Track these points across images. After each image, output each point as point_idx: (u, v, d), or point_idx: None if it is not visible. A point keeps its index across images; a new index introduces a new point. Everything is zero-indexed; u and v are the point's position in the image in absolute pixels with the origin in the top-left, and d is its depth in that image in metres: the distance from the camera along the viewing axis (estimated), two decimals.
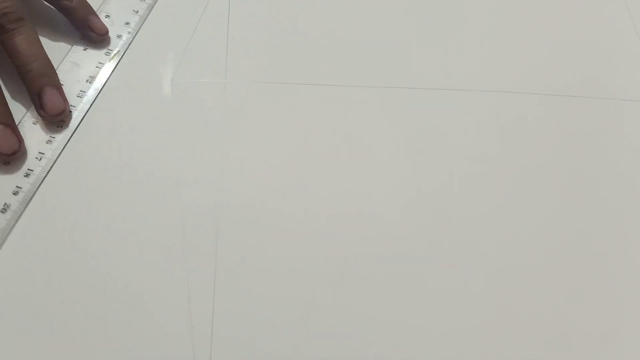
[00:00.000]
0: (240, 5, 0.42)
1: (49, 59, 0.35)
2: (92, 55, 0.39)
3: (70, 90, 0.37)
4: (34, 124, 0.36)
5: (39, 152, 0.35)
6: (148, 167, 0.35)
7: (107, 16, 0.40)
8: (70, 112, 0.36)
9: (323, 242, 0.33)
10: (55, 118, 0.35)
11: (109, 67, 0.38)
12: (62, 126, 0.36)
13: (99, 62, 0.38)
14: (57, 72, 0.36)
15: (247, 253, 0.32)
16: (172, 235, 0.33)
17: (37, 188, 0.34)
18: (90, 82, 0.38)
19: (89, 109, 0.37)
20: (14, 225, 0.32)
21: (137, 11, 0.41)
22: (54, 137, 0.35)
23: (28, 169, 0.34)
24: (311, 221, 0.34)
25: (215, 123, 0.36)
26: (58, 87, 0.35)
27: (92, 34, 0.38)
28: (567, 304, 0.32)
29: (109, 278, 0.31)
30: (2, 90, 0.35)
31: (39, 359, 0.29)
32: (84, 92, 0.37)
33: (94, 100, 0.37)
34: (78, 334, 0.30)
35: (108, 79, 0.38)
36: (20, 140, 0.34)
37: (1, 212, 0.33)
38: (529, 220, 0.34)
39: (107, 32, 0.39)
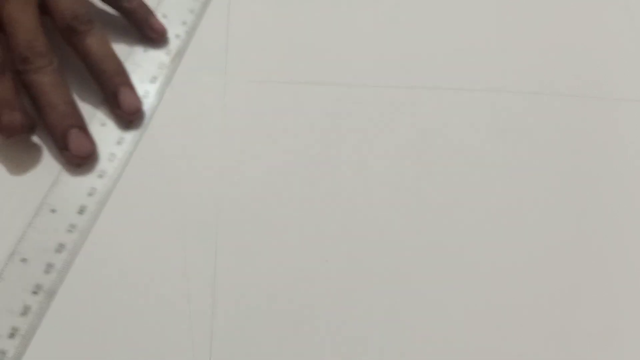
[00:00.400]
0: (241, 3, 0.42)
1: (119, 59, 0.36)
2: (153, 55, 0.39)
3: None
4: (102, 125, 0.36)
5: (111, 153, 0.35)
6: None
7: (164, 16, 0.40)
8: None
9: (323, 242, 0.33)
10: (133, 116, 0.35)
11: (169, 67, 0.39)
12: (132, 126, 0.36)
13: (160, 63, 0.39)
14: None
15: (246, 254, 0.32)
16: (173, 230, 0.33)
17: (112, 189, 0.34)
18: (153, 82, 0.38)
19: (156, 107, 0.37)
20: (91, 226, 0.33)
21: (193, 10, 0.41)
22: (123, 138, 0.36)
23: (101, 170, 0.34)
24: (311, 221, 0.34)
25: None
26: (132, 86, 0.36)
27: (152, 35, 0.38)
28: (566, 304, 0.32)
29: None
30: (71, 93, 0.35)
31: None
32: (149, 92, 0.37)
33: (160, 100, 0.37)
34: None
35: (170, 78, 0.38)
36: (93, 142, 0.34)
37: (78, 213, 0.33)
38: (529, 220, 0.35)
39: (166, 32, 0.39)
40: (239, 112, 0.37)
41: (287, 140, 0.37)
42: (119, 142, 0.35)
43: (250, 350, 0.30)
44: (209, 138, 0.36)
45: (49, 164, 0.34)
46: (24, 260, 0.31)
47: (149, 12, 0.39)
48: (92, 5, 0.37)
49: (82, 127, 0.34)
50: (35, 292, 0.31)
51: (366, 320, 0.31)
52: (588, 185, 0.36)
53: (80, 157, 0.34)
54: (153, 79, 0.38)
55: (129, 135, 0.36)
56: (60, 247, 0.32)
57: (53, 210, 0.33)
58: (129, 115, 0.35)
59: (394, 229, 0.34)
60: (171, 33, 0.40)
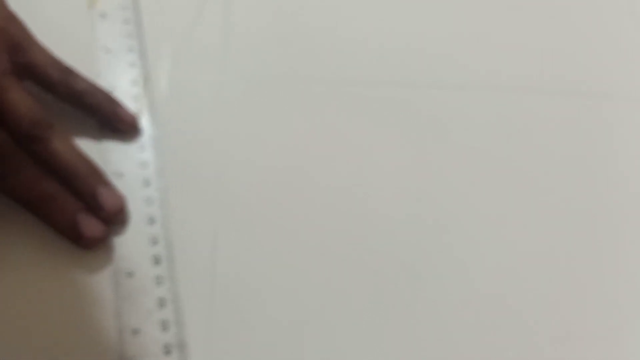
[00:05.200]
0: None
1: (86, 156, 0.33)
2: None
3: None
4: (120, 176, 0.34)
5: (145, 197, 0.34)
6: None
7: (107, 51, 0.39)
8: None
9: (322, 242, 0.34)
10: (118, 217, 0.32)
11: (145, 95, 0.37)
12: (117, 224, 0.33)
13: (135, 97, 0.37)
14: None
15: (246, 253, 0.33)
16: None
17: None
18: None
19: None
20: (173, 272, 0.32)
21: (130, 34, 0.40)
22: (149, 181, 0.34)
23: (148, 216, 0.33)
24: (311, 221, 0.34)
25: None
26: (109, 183, 0.33)
27: (123, 127, 0.35)
28: (567, 304, 0.32)
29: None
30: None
31: None
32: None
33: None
34: None
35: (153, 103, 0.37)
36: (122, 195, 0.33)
37: (155, 264, 0.32)
38: (530, 220, 0.35)
39: (137, 120, 0.36)
40: (237, 109, 0.37)
41: (287, 138, 0.36)
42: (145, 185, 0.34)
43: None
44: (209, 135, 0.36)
45: None
46: (135, 331, 0.30)
47: (115, 103, 0.35)
48: (43, 107, 0.34)
49: (86, 208, 0.32)
50: (168, 352, 0.29)
51: (366, 321, 0.31)
52: (588, 184, 0.36)
53: (97, 241, 0.31)
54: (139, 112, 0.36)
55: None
56: (161, 302, 0.31)
57: (130, 274, 0.31)
58: (114, 215, 0.32)
59: (395, 229, 0.34)
60: (125, 64, 0.38)
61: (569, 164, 0.37)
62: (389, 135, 0.37)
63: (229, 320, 0.31)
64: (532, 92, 0.40)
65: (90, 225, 0.31)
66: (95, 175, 0.33)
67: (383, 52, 0.40)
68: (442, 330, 0.31)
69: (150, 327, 0.30)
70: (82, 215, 0.31)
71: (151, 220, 0.33)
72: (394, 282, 0.32)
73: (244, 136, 0.36)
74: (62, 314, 0.30)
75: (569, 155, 0.37)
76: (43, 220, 0.32)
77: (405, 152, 0.37)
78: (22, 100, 0.32)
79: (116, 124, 0.35)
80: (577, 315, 0.32)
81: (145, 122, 0.36)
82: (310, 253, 0.33)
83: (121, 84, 0.37)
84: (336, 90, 0.39)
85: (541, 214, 0.35)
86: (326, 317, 0.31)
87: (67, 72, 0.35)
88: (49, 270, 0.31)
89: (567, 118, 0.39)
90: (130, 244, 0.32)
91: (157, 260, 0.32)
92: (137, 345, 0.29)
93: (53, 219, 0.32)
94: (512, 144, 0.38)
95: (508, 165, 0.37)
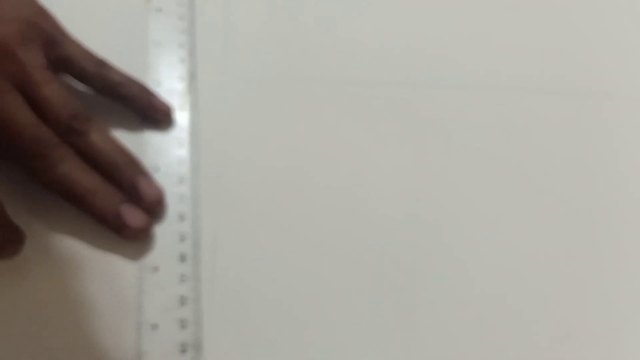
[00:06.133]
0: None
1: (125, 147, 0.34)
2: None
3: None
4: (156, 170, 0.34)
5: (179, 194, 0.34)
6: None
7: (158, 45, 0.39)
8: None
9: (322, 242, 0.33)
10: (157, 207, 0.33)
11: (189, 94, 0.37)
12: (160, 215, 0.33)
13: (179, 93, 0.37)
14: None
15: (246, 254, 0.33)
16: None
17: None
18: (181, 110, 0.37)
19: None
20: (200, 271, 0.32)
21: (184, 30, 0.40)
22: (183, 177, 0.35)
23: (179, 213, 0.33)
24: (311, 218, 0.34)
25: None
26: (147, 173, 0.33)
27: (158, 116, 0.36)
28: (567, 304, 0.32)
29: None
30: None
31: None
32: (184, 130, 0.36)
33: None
34: None
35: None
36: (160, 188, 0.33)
37: (181, 261, 0.32)
38: (530, 219, 0.35)
39: (171, 109, 0.36)
40: (238, 109, 0.37)
41: (285, 137, 0.36)
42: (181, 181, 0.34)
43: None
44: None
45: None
46: (154, 326, 0.30)
47: (150, 94, 0.36)
48: (80, 99, 0.34)
49: (128, 200, 0.32)
50: (184, 351, 0.30)
51: (366, 321, 0.31)
52: (588, 184, 0.36)
53: (141, 232, 0.32)
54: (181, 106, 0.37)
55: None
56: (182, 300, 0.31)
57: (155, 269, 0.32)
58: (153, 205, 0.33)
59: (395, 227, 0.34)
60: (175, 58, 0.39)
61: (569, 164, 0.37)
62: (388, 135, 0.37)
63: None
64: (532, 92, 0.39)
65: (133, 216, 0.32)
66: (134, 166, 0.33)
67: (383, 52, 0.40)
68: (443, 330, 0.31)
69: (169, 323, 0.30)
70: (125, 206, 0.32)
71: (181, 217, 0.33)
72: (394, 281, 0.32)
73: (247, 136, 0.36)
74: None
75: (568, 155, 0.37)
76: (86, 211, 0.32)
77: (406, 152, 0.36)
78: (60, 94, 0.33)
79: (151, 113, 0.36)
80: (577, 315, 0.32)
81: (186, 119, 0.36)
82: (318, 255, 0.33)
83: (168, 78, 0.38)
84: (336, 90, 0.38)
85: (541, 214, 0.35)
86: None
87: (101, 64, 0.35)
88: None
89: (567, 118, 0.39)
90: (158, 239, 0.33)
91: (182, 258, 0.32)
92: (155, 340, 0.30)
93: (96, 211, 0.32)
94: (512, 144, 0.37)
95: (508, 165, 0.37)
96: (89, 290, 0.31)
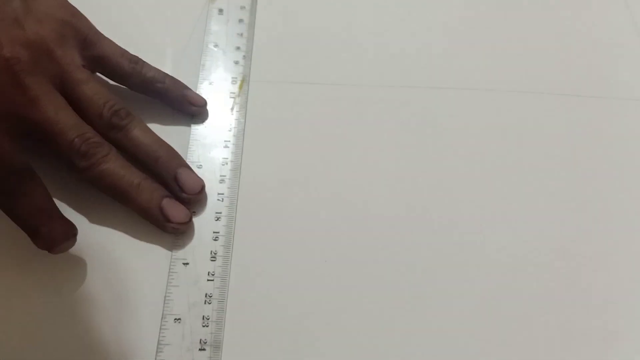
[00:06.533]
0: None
1: (164, 141, 0.34)
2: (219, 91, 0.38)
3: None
4: (198, 167, 0.35)
5: (218, 193, 0.35)
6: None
7: (216, 45, 0.40)
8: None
9: (322, 242, 0.33)
10: (198, 196, 0.34)
11: (240, 95, 0.38)
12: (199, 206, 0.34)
13: (230, 93, 0.38)
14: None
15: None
16: None
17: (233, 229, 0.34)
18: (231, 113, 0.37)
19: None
20: (227, 271, 0.32)
21: (242, 33, 0.41)
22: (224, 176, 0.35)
23: (216, 212, 0.34)
24: (310, 221, 0.34)
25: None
26: (188, 165, 0.34)
27: (192, 109, 0.37)
28: (567, 304, 0.32)
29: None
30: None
31: None
32: (230, 132, 0.37)
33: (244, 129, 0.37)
34: None
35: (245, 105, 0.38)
36: (185, 208, 0.33)
37: (211, 260, 0.32)
38: (530, 220, 0.35)
39: (205, 101, 0.37)
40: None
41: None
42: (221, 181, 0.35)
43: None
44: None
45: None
46: (177, 320, 0.31)
47: (184, 87, 0.37)
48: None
49: (170, 195, 0.33)
50: (202, 349, 0.30)
51: (366, 321, 0.31)
52: (589, 184, 0.36)
53: (183, 226, 0.33)
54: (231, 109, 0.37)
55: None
56: (208, 297, 0.31)
57: (186, 264, 0.32)
58: (194, 195, 0.33)
59: (395, 229, 0.34)
60: (230, 60, 0.39)
61: (569, 164, 0.37)
62: (390, 136, 0.37)
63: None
64: (533, 92, 0.39)
65: (175, 211, 0.33)
66: (175, 158, 0.34)
67: (380, 54, 0.40)
68: (442, 329, 0.31)
69: (192, 319, 0.31)
70: (168, 201, 0.33)
71: (217, 217, 0.34)
72: (392, 281, 0.32)
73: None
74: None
75: (568, 155, 0.37)
76: (129, 206, 0.33)
77: (409, 153, 0.36)
78: (99, 91, 0.34)
79: (185, 106, 0.37)
80: (577, 315, 0.32)
81: (234, 121, 0.37)
82: (308, 253, 0.33)
83: (221, 79, 0.38)
84: (336, 91, 0.38)
85: (541, 214, 0.35)
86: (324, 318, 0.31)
87: (136, 60, 0.36)
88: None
89: (567, 118, 0.38)
90: (193, 235, 0.33)
91: (213, 256, 0.33)
92: (176, 334, 0.30)
93: (140, 205, 0.33)
94: (512, 144, 0.37)
95: (507, 165, 0.36)
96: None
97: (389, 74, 0.39)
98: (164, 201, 0.33)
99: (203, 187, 0.34)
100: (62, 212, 0.31)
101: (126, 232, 0.33)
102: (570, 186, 0.36)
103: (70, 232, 0.31)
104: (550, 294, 0.32)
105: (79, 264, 0.32)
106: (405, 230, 0.34)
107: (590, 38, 0.42)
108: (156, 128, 0.35)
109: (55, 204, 0.31)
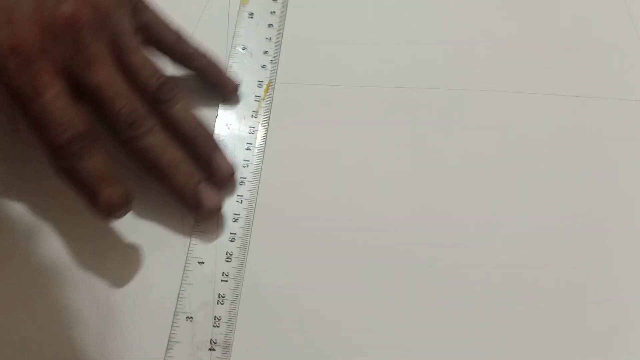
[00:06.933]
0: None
1: (204, 122, 0.34)
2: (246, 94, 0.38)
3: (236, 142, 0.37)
4: None
5: (237, 195, 0.35)
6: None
7: (244, 48, 0.40)
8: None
9: (321, 242, 0.33)
10: (230, 179, 0.34)
11: (265, 99, 0.38)
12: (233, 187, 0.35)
13: (255, 96, 0.38)
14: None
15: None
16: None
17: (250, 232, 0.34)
18: (254, 117, 0.37)
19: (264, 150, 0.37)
20: (242, 273, 0.32)
21: (271, 38, 0.41)
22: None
23: (234, 214, 0.34)
24: (310, 221, 0.34)
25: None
26: (222, 149, 0.34)
27: (224, 92, 0.37)
28: (567, 305, 0.32)
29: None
30: None
31: None
32: (253, 135, 0.37)
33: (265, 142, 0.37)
34: None
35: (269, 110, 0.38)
36: (219, 194, 0.34)
37: (227, 260, 0.33)
38: (530, 220, 0.34)
39: (238, 87, 0.38)
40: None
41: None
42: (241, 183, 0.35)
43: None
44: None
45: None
46: (189, 318, 0.31)
47: (219, 70, 0.37)
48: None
49: (205, 180, 0.33)
50: (212, 349, 0.30)
51: (366, 321, 0.31)
52: (589, 184, 0.36)
53: (214, 212, 0.33)
54: (254, 114, 0.38)
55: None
56: (221, 298, 0.31)
57: (201, 263, 0.32)
58: (227, 179, 0.34)
59: (394, 229, 0.34)
60: (257, 65, 0.39)
61: (569, 165, 0.36)
62: (394, 137, 0.37)
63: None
64: (533, 92, 0.39)
65: (209, 197, 0.33)
66: (212, 140, 0.34)
67: (380, 55, 0.40)
68: (443, 329, 0.31)
69: (203, 318, 0.31)
70: (203, 186, 0.33)
71: (235, 218, 0.34)
72: (392, 281, 0.32)
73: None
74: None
75: (568, 155, 0.37)
76: (165, 185, 0.33)
77: (405, 152, 0.36)
78: (148, 62, 0.34)
79: (219, 87, 0.37)
80: (577, 315, 0.32)
81: (258, 123, 0.37)
82: (308, 253, 0.33)
83: (247, 82, 0.39)
84: (337, 92, 0.38)
85: (541, 214, 0.35)
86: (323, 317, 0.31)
87: (179, 34, 0.36)
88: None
89: (567, 118, 0.38)
90: (211, 235, 0.33)
91: (229, 257, 0.33)
92: (187, 332, 0.30)
93: (176, 187, 0.33)
94: (512, 144, 0.37)
95: (508, 165, 0.36)
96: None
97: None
98: (200, 186, 0.33)
99: (235, 171, 0.34)
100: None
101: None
102: (571, 186, 0.36)
103: (129, 197, 0.31)
104: (550, 294, 0.32)
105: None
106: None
107: (590, 38, 0.42)
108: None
109: (115, 168, 0.31)
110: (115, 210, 0.30)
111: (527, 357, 0.31)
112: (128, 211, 0.31)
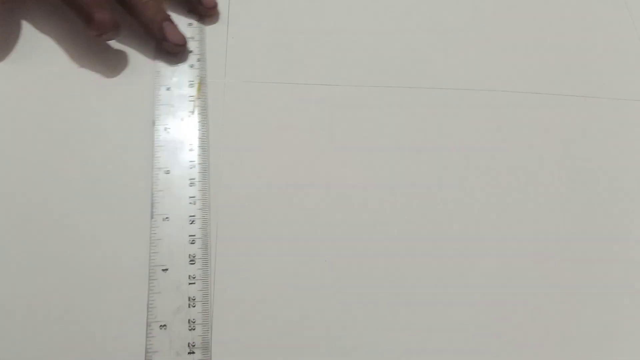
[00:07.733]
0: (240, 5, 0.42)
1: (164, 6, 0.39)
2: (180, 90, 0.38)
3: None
4: (166, 173, 0.35)
5: (189, 197, 0.34)
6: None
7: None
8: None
9: (321, 242, 0.34)
10: (180, 48, 0.38)
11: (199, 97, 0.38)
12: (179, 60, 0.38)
13: (189, 96, 0.38)
14: None
15: (244, 255, 0.33)
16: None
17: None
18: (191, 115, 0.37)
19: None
20: (211, 275, 0.32)
21: (193, 37, 0.40)
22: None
23: (190, 216, 0.34)
24: (307, 219, 0.34)
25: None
26: (174, 23, 0.38)
27: (202, 10, 0.40)
28: (566, 304, 0.33)
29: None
30: None
31: None
32: (193, 135, 0.37)
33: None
34: None
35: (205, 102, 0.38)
36: (183, 34, 0.38)
37: (190, 263, 0.32)
38: (530, 219, 0.35)
39: (216, 5, 0.41)
40: (236, 112, 0.37)
41: (285, 139, 0.37)
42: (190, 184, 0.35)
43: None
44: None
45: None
46: (162, 326, 0.30)
47: (164, 18, 0.39)
48: None
49: (171, 20, 0.38)
50: (191, 352, 0.30)
51: (366, 320, 0.32)
52: (588, 184, 0.37)
53: (178, 45, 0.38)
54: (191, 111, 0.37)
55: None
56: (191, 301, 0.31)
57: (165, 270, 0.32)
58: (177, 46, 0.38)
59: (394, 229, 0.34)
60: (184, 64, 0.39)
61: (569, 164, 0.37)
62: (386, 135, 0.37)
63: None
64: (533, 92, 0.40)
65: (173, 33, 0.38)
66: (162, 12, 0.38)
67: (379, 55, 0.40)
68: (443, 329, 0.32)
69: (177, 324, 0.31)
70: (168, 23, 0.38)
71: (192, 220, 0.34)
72: (391, 281, 0.33)
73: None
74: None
75: (568, 155, 0.37)
76: (134, 18, 0.38)
77: (404, 153, 0.37)
78: None
79: (197, 6, 0.40)
80: (577, 315, 0.33)
81: (196, 123, 0.37)
82: (308, 253, 0.33)
83: (177, 82, 0.38)
84: (335, 92, 0.39)
85: (541, 214, 0.35)
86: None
87: None
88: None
89: (567, 118, 0.39)
90: (169, 240, 0.33)
91: (192, 260, 0.32)
92: (163, 340, 0.30)
93: (144, 20, 0.38)
94: (512, 144, 0.38)
95: (508, 165, 0.37)
96: (99, 287, 0.31)
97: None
98: (165, 22, 0.38)
99: (184, 40, 0.38)
100: None
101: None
102: (571, 186, 0.36)
103: (116, 22, 0.36)
104: (551, 294, 0.33)
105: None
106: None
107: (590, 38, 0.42)
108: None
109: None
110: (105, 31, 0.36)
111: (527, 357, 0.31)
112: (117, 35, 0.37)
